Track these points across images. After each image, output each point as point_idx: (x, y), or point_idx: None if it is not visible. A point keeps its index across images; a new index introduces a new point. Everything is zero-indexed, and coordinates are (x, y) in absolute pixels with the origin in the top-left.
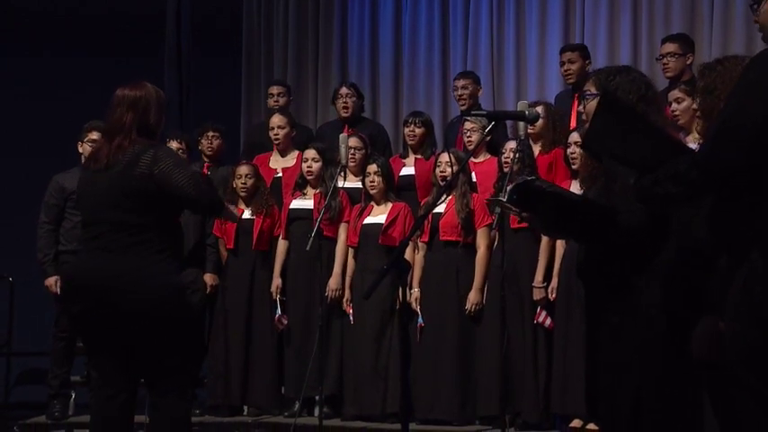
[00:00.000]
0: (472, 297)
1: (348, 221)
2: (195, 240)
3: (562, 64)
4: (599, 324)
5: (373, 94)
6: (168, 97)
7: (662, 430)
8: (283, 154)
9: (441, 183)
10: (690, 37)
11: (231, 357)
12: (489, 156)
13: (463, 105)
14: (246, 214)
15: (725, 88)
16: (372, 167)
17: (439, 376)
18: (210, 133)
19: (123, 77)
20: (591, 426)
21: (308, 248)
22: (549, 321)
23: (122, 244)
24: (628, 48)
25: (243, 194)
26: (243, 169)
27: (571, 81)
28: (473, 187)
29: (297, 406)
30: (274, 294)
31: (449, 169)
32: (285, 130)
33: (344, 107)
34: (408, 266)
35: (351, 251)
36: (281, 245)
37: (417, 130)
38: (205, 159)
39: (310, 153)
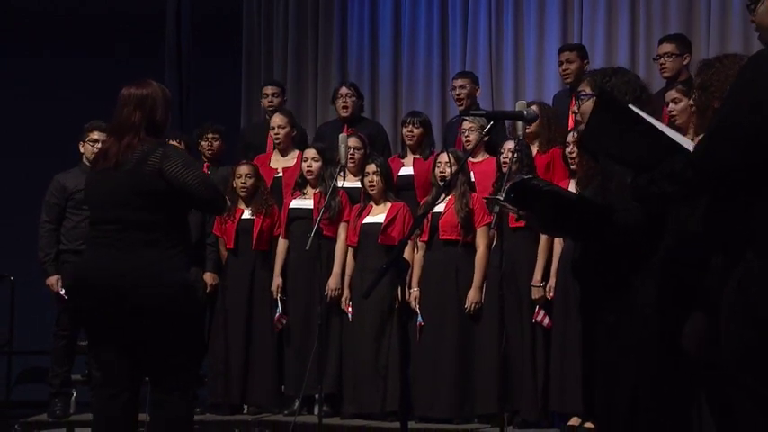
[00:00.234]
0: (471, 296)
1: (348, 221)
2: (195, 239)
3: (560, 64)
4: (595, 323)
5: (372, 94)
6: None
7: (658, 429)
8: (284, 154)
9: (440, 183)
10: (687, 37)
11: (231, 356)
12: (487, 156)
13: (461, 105)
14: (246, 214)
15: (720, 86)
16: (371, 167)
17: (438, 375)
18: (210, 135)
19: (123, 77)
20: (589, 424)
21: (307, 248)
22: (547, 320)
23: (133, 241)
24: (625, 48)
25: (243, 194)
26: (243, 169)
27: (569, 81)
28: (472, 187)
29: (296, 404)
30: (275, 294)
31: (448, 169)
32: (285, 130)
33: (344, 107)
34: (407, 265)
35: (350, 250)
36: (281, 244)
37: (416, 131)
38: (205, 160)
39: (310, 153)
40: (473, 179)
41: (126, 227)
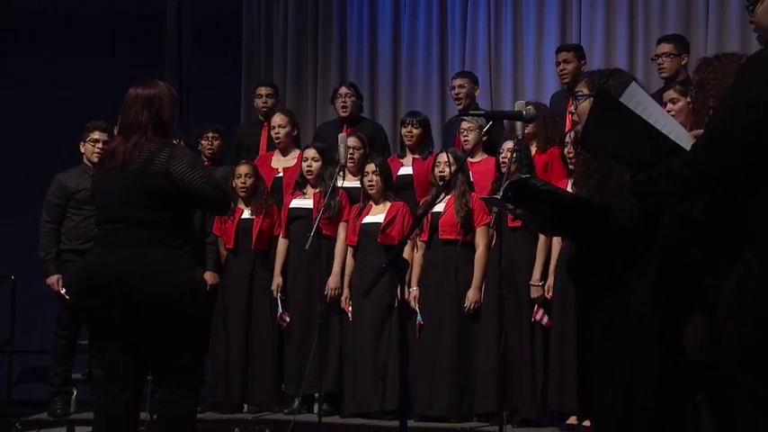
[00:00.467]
0: (471, 295)
1: (347, 220)
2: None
3: (558, 64)
4: (590, 322)
5: (372, 94)
6: None
7: (653, 428)
8: (284, 153)
9: (439, 182)
10: (685, 38)
11: (231, 356)
12: (486, 155)
13: (459, 104)
14: (246, 214)
15: (716, 84)
16: (370, 167)
17: (437, 374)
18: (210, 134)
19: (123, 77)
20: (587, 422)
21: (307, 247)
22: (546, 319)
23: (140, 240)
24: (624, 49)
25: (242, 194)
26: (242, 169)
27: (566, 81)
28: (471, 187)
29: (296, 403)
30: (275, 293)
31: (447, 169)
32: (286, 129)
33: (343, 107)
34: (406, 265)
35: (350, 250)
36: (282, 244)
37: (415, 131)
38: (205, 159)
39: (310, 152)
40: (472, 179)
41: (132, 225)
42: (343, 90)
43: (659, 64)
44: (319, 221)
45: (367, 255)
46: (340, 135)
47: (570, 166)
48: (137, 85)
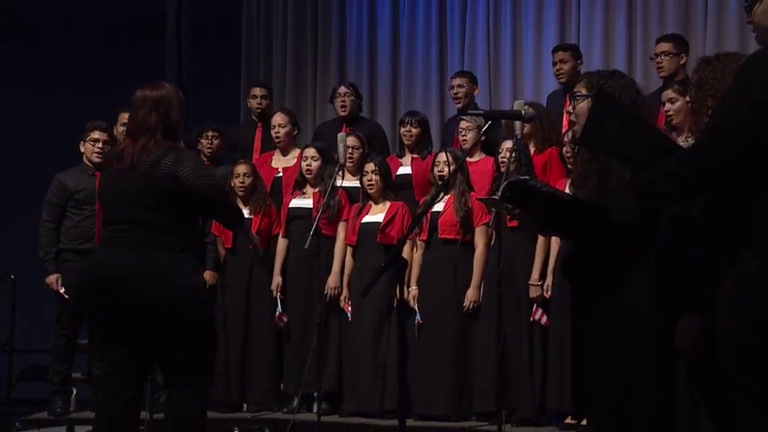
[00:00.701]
0: (470, 294)
1: (347, 220)
2: None
3: (554, 63)
4: (586, 321)
5: (371, 94)
6: None
7: (652, 426)
8: (284, 153)
9: (439, 182)
10: (684, 38)
11: (230, 355)
12: (484, 155)
13: (459, 104)
14: (244, 213)
15: (715, 84)
16: (370, 166)
17: (436, 373)
18: (210, 133)
19: (123, 78)
20: (585, 422)
21: (306, 247)
22: (545, 319)
23: (145, 242)
24: (623, 49)
25: (241, 194)
26: (241, 168)
27: (563, 80)
28: (471, 186)
29: (296, 402)
30: (275, 292)
31: (446, 168)
32: (286, 129)
33: (342, 106)
34: (405, 264)
35: (349, 249)
36: (281, 243)
37: (414, 130)
38: (204, 159)
39: (309, 152)
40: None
41: (138, 227)
42: (343, 89)
43: (658, 63)
44: (319, 221)
45: (366, 254)
46: (339, 134)
47: (569, 166)
48: (144, 87)
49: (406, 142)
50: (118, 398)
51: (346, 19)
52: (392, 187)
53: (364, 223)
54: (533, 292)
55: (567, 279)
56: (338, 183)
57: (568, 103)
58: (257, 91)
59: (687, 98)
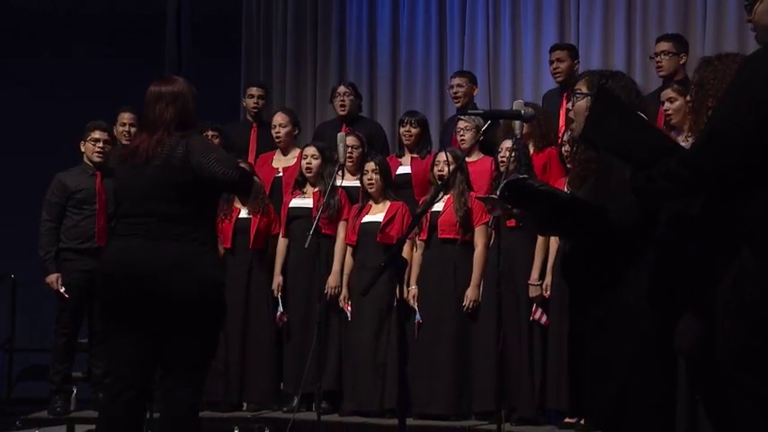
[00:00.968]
0: (470, 294)
1: (347, 220)
2: None
3: (551, 63)
4: (584, 319)
5: (371, 93)
6: None
7: (650, 426)
8: (285, 153)
9: (438, 181)
10: (684, 37)
11: (230, 354)
12: (482, 155)
13: (458, 103)
14: (243, 213)
15: (715, 84)
16: (370, 165)
17: (436, 372)
18: (210, 132)
19: (123, 78)
20: (584, 421)
21: (306, 246)
22: (544, 318)
23: (167, 234)
24: (622, 49)
25: None
26: None
27: (560, 80)
28: (470, 186)
29: (296, 401)
30: (276, 292)
31: (446, 168)
32: (287, 129)
33: (342, 105)
34: (405, 263)
35: (349, 249)
36: (281, 243)
37: (413, 130)
38: None
39: (310, 150)
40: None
41: (159, 220)
42: (342, 89)
43: (657, 62)
44: (318, 220)
45: (366, 254)
46: (339, 134)
47: (568, 166)
48: (157, 82)
49: (406, 142)
50: (119, 398)
51: (346, 19)
52: (392, 186)
53: (364, 223)
54: (533, 292)
55: (565, 279)
56: (338, 182)
57: (564, 102)
58: (254, 91)
59: (686, 98)
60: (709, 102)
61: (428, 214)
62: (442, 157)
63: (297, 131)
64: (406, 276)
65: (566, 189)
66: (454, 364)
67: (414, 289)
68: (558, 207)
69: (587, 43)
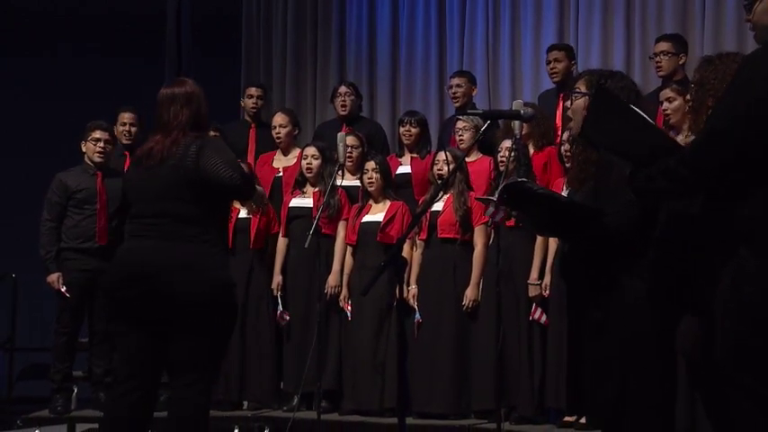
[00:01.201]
0: (469, 293)
1: (347, 219)
2: None
3: (548, 62)
4: (583, 319)
5: (371, 93)
6: None
7: (649, 425)
8: (285, 153)
9: (438, 181)
10: (683, 37)
11: (230, 354)
12: (481, 155)
13: (457, 103)
14: (243, 213)
15: (717, 84)
16: (370, 164)
17: (435, 371)
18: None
19: (123, 77)
20: (584, 420)
21: (306, 246)
22: (544, 318)
23: (180, 235)
24: (621, 49)
25: None
26: None
27: (556, 80)
28: (470, 185)
29: (296, 401)
30: (276, 291)
31: (446, 168)
32: (287, 129)
33: (342, 105)
34: (405, 263)
35: (349, 249)
36: (281, 242)
37: (413, 130)
38: None
39: (310, 150)
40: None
41: (172, 219)
42: (343, 89)
43: (657, 62)
44: (318, 220)
45: (366, 254)
46: (339, 134)
47: (567, 165)
48: (168, 85)
49: (406, 142)
50: (123, 398)
51: (346, 19)
52: (393, 186)
53: (364, 223)
54: (532, 291)
55: (564, 280)
56: (338, 182)
57: (561, 102)
58: (253, 91)
59: (685, 98)
60: (710, 101)
61: (428, 214)
62: (441, 156)
63: (297, 131)
64: (405, 276)
65: (564, 188)
66: (454, 363)
67: (413, 288)
68: (556, 210)
69: (586, 43)
